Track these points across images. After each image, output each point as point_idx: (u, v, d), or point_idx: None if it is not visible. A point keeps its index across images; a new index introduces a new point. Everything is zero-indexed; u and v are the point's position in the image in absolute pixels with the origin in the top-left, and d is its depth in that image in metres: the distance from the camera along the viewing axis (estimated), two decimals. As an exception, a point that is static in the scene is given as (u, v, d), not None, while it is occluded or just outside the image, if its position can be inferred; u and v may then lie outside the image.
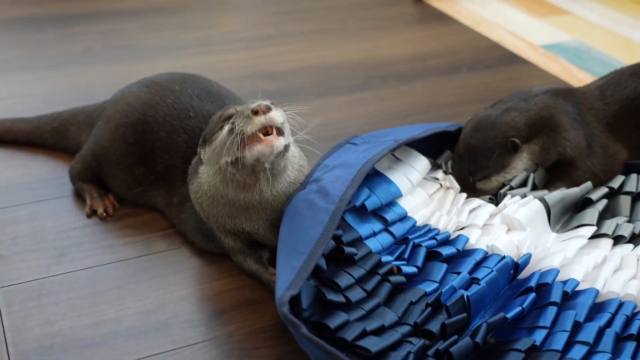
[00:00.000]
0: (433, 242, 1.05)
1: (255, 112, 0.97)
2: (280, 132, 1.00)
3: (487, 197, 1.19)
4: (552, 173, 1.25)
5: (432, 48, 1.99)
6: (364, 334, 0.88)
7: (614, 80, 1.31)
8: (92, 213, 1.25)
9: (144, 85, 1.27)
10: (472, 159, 1.22)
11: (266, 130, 0.98)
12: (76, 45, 1.93)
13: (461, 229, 1.09)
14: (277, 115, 0.99)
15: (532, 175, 1.22)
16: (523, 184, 1.20)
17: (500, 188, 1.22)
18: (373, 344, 0.86)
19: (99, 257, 1.15)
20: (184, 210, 1.18)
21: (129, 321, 1.03)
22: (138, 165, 1.23)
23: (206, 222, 1.12)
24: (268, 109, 0.98)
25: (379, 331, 0.90)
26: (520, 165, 1.23)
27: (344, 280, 0.95)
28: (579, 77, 1.84)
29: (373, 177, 1.14)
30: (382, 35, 2.07)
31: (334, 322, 0.88)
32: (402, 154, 1.21)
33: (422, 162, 1.20)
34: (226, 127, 1.00)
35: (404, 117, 1.61)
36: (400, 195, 1.13)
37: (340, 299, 0.92)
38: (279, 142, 0.99)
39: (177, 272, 1.13)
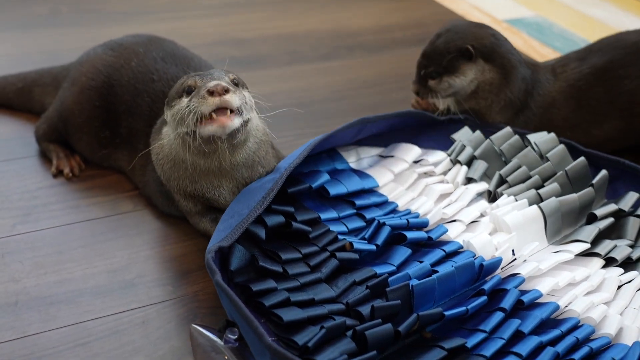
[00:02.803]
0: (403, 221, 1.03)
1: (211, 93, 0.96)
2: (237, 111, 0.99)
3: (485, 192, 1.15)
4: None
5: (398, 20, 1.98)
6: (286, 303, 0.88)
7: (564, 62, 1.39)
8: (58, 173, 1.23)
9: (109, 48, 1.25)
10: (431, 57, 1.30)
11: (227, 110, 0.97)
12: (41, 6, 1.89)
13: (449, 222, 1.07)
14: (232, 99, 0.98)
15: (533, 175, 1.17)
16: (522, 181, 1.16)
17: (450, 95, 1.30)
18: (288, 314, 0.86)
19: (65, 217, 1.14)
20: (146, 173, 1.17)
21: (95, 280, 1.02)
22: (103, 129, 1.21)
23: (166, 185, 1.11)
24: (225, 91, 0.96)
25: (306, 304, 0.89)
26: (469, 75, 1.29)
27: (287, 253, 0.96)
28: (540, 52, 1.85)
29: (348, 172, 1.14)
30: (350, 7, 2.06)
31: (258, 286, 0.89)
32: (392, 150, 1.21)
33: (411, 152, 1.19)
34: (184, 101, 1.00)
35: (370, 87, 1.61)
36: (376, 185, 1.13)
37: (276, 268, 0.93)
38: (232, 122, 0.98)
39: (143, 233, 1.12)
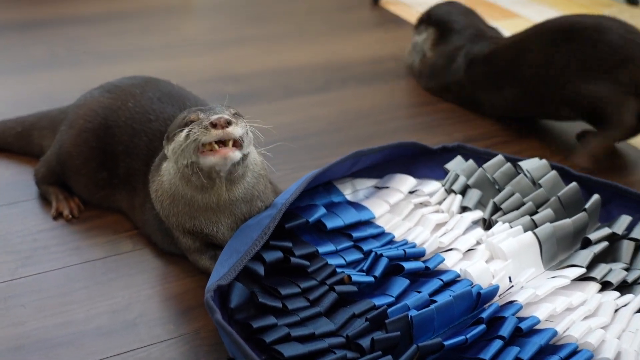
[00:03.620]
0: (400, 252, 1.03)
1: (214, 125, 0.97)
2: (238, 144, 0.99)
3: (480, 220, 1.15)
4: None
5: (389, 51, 2.00)
6: (287, 338, 0.88)
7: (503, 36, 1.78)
8: (58, 215, 1.24)
9: (106, 90, 1.26)
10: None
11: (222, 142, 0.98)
12: (39, 50, 1.91)
13: (446, 251, 1.07)
14: (235, 130, 0.98)
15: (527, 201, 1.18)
16: (516, 207, 1.16)
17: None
18: (289, 349, 0.86)
19: (66, 259, 1.14)
20: (145, 212, 1.17)
21: (97, 321, 1.02)
22: (101, 170, 1.22)
23: (165, 222, 1.11)
24: (227, 124, 0.97)
25: (307, 338, 0.89)
26: (421, 36, 1.82)
27: (286, 288, 0.96)
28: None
29: (344, 205, 1.15)
30: (342, 39, 2.08)
31: (258, 323, 0.89)
32: (387, 182, 1.21)
33: (406, 182, 1.20)
34: (184, 132, 1.00)
35: (364, 118, 1.62)
36: (372, 217, 1.14)
37: (276, 304, 0.93)
38: (234, 154, 0.98)
39: (144, 272, 1.12)
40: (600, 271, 1.05)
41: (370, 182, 1.22)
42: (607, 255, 1.10)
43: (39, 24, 2.09)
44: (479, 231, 1.12)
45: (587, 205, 1.16)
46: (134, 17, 2.18)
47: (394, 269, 1.02)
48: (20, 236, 1.19)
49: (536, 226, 1.12)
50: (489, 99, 1.67)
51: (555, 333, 0.92)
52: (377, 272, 1.01)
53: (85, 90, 1.34)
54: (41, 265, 1.13)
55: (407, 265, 1.02)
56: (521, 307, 0.96)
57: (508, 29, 2.19)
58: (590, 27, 1.55)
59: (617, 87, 1.52)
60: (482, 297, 0.96)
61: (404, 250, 1.05)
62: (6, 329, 1.00)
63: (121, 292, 1.08)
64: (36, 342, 0.98)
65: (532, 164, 1.24)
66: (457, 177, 1.21)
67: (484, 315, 0.93)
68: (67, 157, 1.24)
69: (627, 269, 1.07)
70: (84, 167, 1.23)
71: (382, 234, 1.12)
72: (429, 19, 1.81)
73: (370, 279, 1.00)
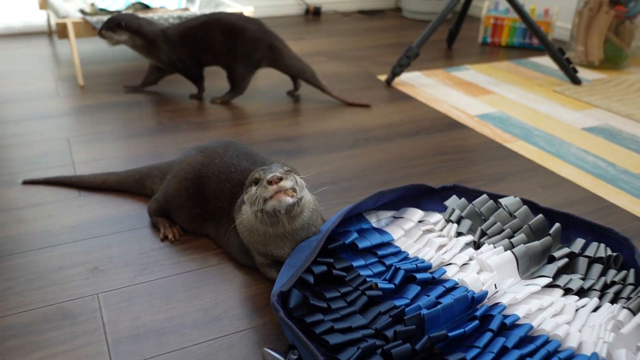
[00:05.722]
0: (413, 266, 1.03)
1: (270, 183, 0.98)
2: (290, 192, 0.99)
3: (471, 242, 1.14)
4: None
5: (399, 118, 2.01)
6: (331, 330, 0.87)
7: (182, 23, 2.03)
8: (165, 238, 1.25)
9: (199, 150, 1.28)
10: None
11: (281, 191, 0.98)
12: (150, 122, 1.95)
13: (447, 265, 1.06)
14: (285, 183, 0.98)
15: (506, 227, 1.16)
16: (497, 233, 1.15)
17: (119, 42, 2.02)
18: (333, 338, 0.85)
19: (170, 270, 1.15)
20: (229, 237, 1.18)
21: (193, 315, 1.02)
22: (196, 207, 1.23)
23: (245, 245, 1.11)
24: (279, 179, 0.98)
25: (346, 331, 0.88)
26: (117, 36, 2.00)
27: (330, 293, 0.95)
28: (502, 137, 1.86)
29: (371, 230, 1.14)
30: (365, 110, 2.09)
31: (310, 319, 0.89)
32: (402, 213, 1.21)
33: (416, 214, 1.20)
34: (253, 189, 1.01)
35: (382, 167, 1.62)
36: (392, 239, 1.13)
37: (322, 304, 0.92)
38: (286, 199, 0.98)
39: (226, 280, 1.13)
40: (563, 280, 1.03)
41: (389, 213, 1.22)
42: (567, 269, 1.08)
43: (151, 103, 2.14)
44: (470, 250, 1.10)
45: (551, 231, 1.14)
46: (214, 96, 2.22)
47: (409, 278, 1.01)
48: (137, 253, 1.20)
49: (513, 246, 1.10)
50: (198, 59, 2.04)
51: (531, 327, 0.90)
52: (397, 280, 1.00)
53: (181, 149, 1.37)
54: (153, 274, 1.14)
55: (419, 276, 1.01)
56: (505, 307, 0.94)
57: (487, 102, 2.19)
58: (240, 27, 1.96)
59: (249, 67, 2.00)
60: (475, 300, 0.95)
61: (416, 265, 1.04)
62: (127, 322, 1.01)
63: (210, 295, 1.08)
64: (149, 331, 0.99)
65: (509, 201, 1.22)
66: (453, 210, 1.20)
67: (478, 313, 0.92)
68: (171, 198, 1.26)
69: (583, 279, 1.04)
70: (183, 206, 1.24)
71: (399, 252, 1.11)
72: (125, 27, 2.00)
73: (391, 286, 0.99)
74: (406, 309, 0.92)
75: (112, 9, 2.48)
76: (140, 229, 1.29)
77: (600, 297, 1.00)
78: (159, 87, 2.29)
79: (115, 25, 1.97)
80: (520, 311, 0.94)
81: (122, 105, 2.09)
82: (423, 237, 1.15)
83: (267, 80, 2.43)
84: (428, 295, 0.97)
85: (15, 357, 0.92)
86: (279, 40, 2.03)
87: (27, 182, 1.50)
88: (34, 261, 1.17)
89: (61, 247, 1.22)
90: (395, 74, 2.35)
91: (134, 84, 2.27)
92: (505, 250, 1.08)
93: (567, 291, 1.01)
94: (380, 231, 1.15)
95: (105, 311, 1.03)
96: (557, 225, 1.15)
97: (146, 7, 2.54)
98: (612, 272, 1.05)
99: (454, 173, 1.59)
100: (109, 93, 2.21)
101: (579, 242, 1.12)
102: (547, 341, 0.88)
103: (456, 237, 1.15)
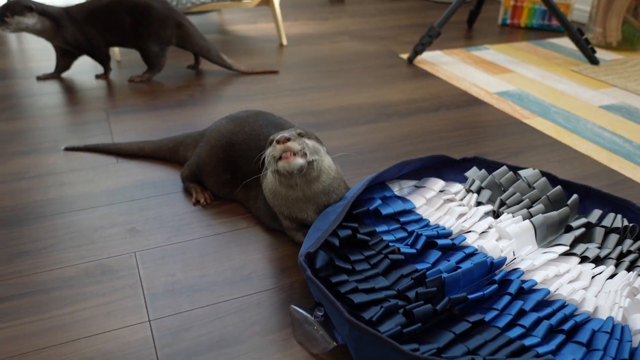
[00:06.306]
0: (434, 232, 1.01)
1: (278, 142, 0.97)
2: (299, 153, 0.98)
3: (490, 212, 1.11)
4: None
5: (421, 95, 1.97)
6: (355, 290, 0.87)
7: (83, 5, 1.92)
8: (197, 202, 1.25)
9: (230, 120, 1.27)
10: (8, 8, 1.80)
11: (289, 152, 0.97)
12: (183, 94, 1.94)
13: (466, 232, 1.04)
14: (293, 145, 0.97)
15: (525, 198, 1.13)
16: (516, 203, 1.12)
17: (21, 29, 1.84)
18: (357, 298, 0.84)
19: (202, 232, 1.15)
20: (257, 202, 1.18)
21: (224, 274, 1.03)
22: (226, 173, 1.23)
23: (272, 209, 1.11)
24: (287, 140, 0.96)
25: (369, 291, 0.87)
26: (27, 20, 1.82)
27: (354, 255, 0.95)
28: (521, 113, 1.81)
29: (393, 198, 1.13)
30: (387, 87, 2.06)
31: (335, 279, 0.88)
32: (424, 183, 1.19)
33: (438, 184, 1.18)
34: (268, 149, 1.00)
35: (404, 140, 1.60)
36: (414, 207, 1.11)
37: (347, 265, 0.92)
38: (296, 161, 0.97)
39: (255, 242, 1.12)
40: (579, 249, 1.01)
41: (412, 183, 1.20)
42: (584, 238, 1.06)
43: (184, 76, 2.14)
44: (490, 219, 1.08)
45: (568, 202, 1.11)
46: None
47: (430, 244, 1.00)
48: (171, 216, 1.21)
49: (532, 216, 1.08)
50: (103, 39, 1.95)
51: (548, 292, 0.89)
52: (418, 246, 0.99)
53: (212, 120, 1.37)
54: (186, 235, 1.14)
55: (440, 242, 1.00)
56: (523, 273, 0.93)
57: (507, 80, 2.14)
58: (145, 6, 1.89)
59: (161, 45, 1.94)
60: (494, 265, 0.93)
61: (437, 231, 1.03)
62: (162, 278, 1.02)
63: (240, 255, 1.08)
64: (183, 287, 0.99)
65: (528, 172, 1.19)
66: (473, 181, 1.18)
67: (497, 277, 0.90)
68: (203, 164, 1.25)
69: (599, 248, 1.02)
70: (214, 171, 1.24)
71: (421, 219, 1.10)
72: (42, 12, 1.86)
73: (413, 250, 0.98)
74: (427, 272, 0.91)
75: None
76: (174, 194, 1.29)
77: (617, 265, 0.98)
78: (188, 63, 2.28)
79: (24, 9, 1.80)
80: (537, 277, 0.92)
81: (155, 79, 2.09)
82: (444, 206, 1.13)
83: (295, 58, 2.40)
84: (448, 260, 0.96)
85: (59, 307, 0.94)
86: (184, 18, 1.95)
87: (68, 149, 1.51)
88: (75, 221, 1.18)
89: (100, 209, 1.23)
90: (417, 52, 2.30)
91: (48, 73, 2.09)
92: (524, 219, 1.06)
93: (584, 259, 0.99)
94: (402, 199, 1.14)
95: (142, 268, 1.04)
96: (574, 196, 1.12)
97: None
98: (628, 242, 1.02)
99: (473, 147, 1.56)
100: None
101: (596, 213, 1.09)
102: (563, 305, 0.87)
103: (476, 206, 1.13)
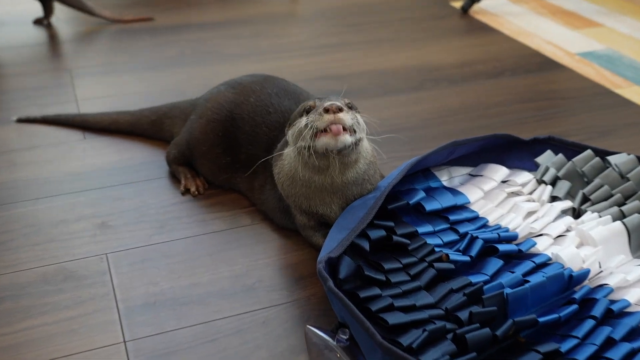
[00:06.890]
0: (494, 235, 1.00)
1: (327, 111, 0.96)
2: (349, 130, 0.98)
3: (569, 210, 1.10)
4: None
5: (478, 55, 1.95)
6: (390, 308, 0.86)
7: None
8: (186, 191, 1.26)
9: (230, 86, 1.27)
10: None
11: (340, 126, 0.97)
12: (170, 50, 1.96)
13: (537, 236, 1.03)
14: (345, 117, 0.97)
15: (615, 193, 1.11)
16: (604, 199, 1.10)
17: None
18: (392, 318, 0.84)
19: (193, 229, 1.16)
20: (264, 192, 1.18)
21: (221, 284, 1.03)
22: (225, 155, 1.23)
23: (285, 201, 1.11)
24: (339, 110, 0.97)
25: (408, 309, 0.86)
26: None
27: (389, 263, 0.94)
28: (611, 80, 1.79)
29: (441, 189, 1.12)
30: (434, 44, 2.04)
31: (364, 293, 0.87)
32: (481, 170, 1.18)
33: (499, 172, 1.16)
34: (304, 119, 1.00)
35: (455, 115, 1.59)
36: (467, 202, 1.10)
37: (379, 277, 0.91)
38: (344, 137, 0.97)
39: (261, 243, 1.13)
40: (688, 261, 0.98)
41: (465, 170, 1.19)
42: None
43: (170, 29, 2.15)
44: (568, 219, 1.06)
45: (674, 199, 1.09)
46: (246, 24, 2.20)
47: (489, 250, 0.99)
48: (154, 208, 1.22)
49: (625, 216, 1.06)
50: None
51: None
52: (473, 252, 0.98)
53: (207, 85, 1.37)
54: (172, 233, 1.15)
55: (501, 247, 0.98)
56: (612, 291, 0.91)
57: (592, 37, 2.11)
58: None
59: None
60: (573, 280, 0.92)
61: (498, 234, 1.01)
62: (142, 287, 1.02)
63: (241, 260, 1.08)
64: (167, 299, 1.00)
65: (620, 159, 1.17)
66: (547, 169, 1.16)
67: (576, 296, 0.89)
68: (196, 142, 1.26)
69: None
70: (210, 152, 1.24)
71: (477, 218, 1.08)
72: None
73: (467, 258, 0.97)
74: (485, 287, 0.90)
75: None
76: (156, 180, 1.30)
77: None
78: (180, 11, 2.28)
79: None
80: (631, 296, 0.90)
81: (135, 30, 2.10)
82: (507, 201, 1.12)
83: (315, 5, 2.39)
84: (513, 272, 0.94)
85: (10, 322, 0.95)
86: None
87: (21, 120, 1.53)
88: (31, 212, 1.20)
89: (63, 198, 1.24)
90: (473, 0, 2.29)
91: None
92: (614, 220, 1.05)
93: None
94: (453, 191, 1.13)
95: (116, 274, 1.05)
96: None
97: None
98: None
99: (546, 124, 1.54)
100: (119, 15, 2.23)
101: None
102: None
103: (550, 202, 1.12)
